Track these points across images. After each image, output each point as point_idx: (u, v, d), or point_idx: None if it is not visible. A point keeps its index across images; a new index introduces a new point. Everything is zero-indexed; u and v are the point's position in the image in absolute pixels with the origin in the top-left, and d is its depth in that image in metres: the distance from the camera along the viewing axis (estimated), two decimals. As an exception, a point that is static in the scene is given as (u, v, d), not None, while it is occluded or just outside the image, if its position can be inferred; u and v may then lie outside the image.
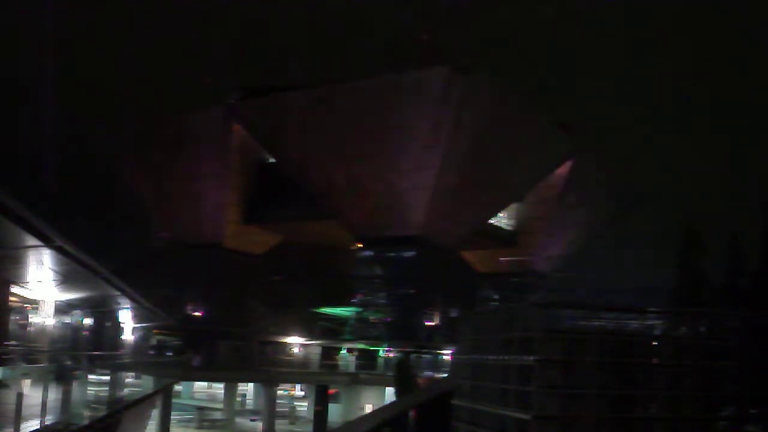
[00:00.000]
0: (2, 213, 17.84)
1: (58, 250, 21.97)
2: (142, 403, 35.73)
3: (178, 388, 59.92)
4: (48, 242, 20.95)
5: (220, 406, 62.55)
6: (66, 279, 27.30)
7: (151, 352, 65.36)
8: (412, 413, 38.54)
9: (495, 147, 59.40)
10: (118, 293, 34.96)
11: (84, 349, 37.75)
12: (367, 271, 67.33)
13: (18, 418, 17.55)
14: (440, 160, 58.21)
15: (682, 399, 29.40)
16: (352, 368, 63.82)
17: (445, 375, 53.94)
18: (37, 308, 31.06)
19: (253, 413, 62.30)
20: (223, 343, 68.52)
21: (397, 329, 64.88)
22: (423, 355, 64.99)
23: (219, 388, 69.26)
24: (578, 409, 28.21)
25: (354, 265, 69.09)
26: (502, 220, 75.33)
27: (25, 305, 32.55)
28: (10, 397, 19.05)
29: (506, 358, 30.41)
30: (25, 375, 24.06)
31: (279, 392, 60.32)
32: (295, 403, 67.03)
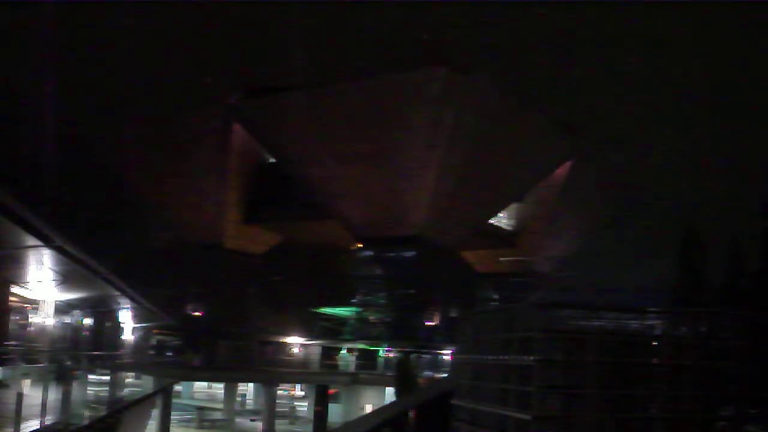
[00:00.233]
0: (2, 213, 17.87)
1: (58, 250, 22.01)
2: (142, 403, 35.79)
3: (178, 388, 59.96)
4: (48, 242, 20.99)
5: (220, 406, 62.56)
6: (66, 279, 27.32)
7: (151, 352, 65.47)
8: (412, 413, 38.51)
9: (495, 147, 59.41)
10: (118, 293, 35.01)
11: (84, 349, 37.79)
12: (367, 271, 67.35)
13: (18, 418, 17.57)
14: (440, 160, 58.24)
15: (682, 399, 29.37)
16: (352, 368, 63.82)
17: (445, 375, 53.96)
18: (37, 308, 31.09)
19: (253, 413, 62.31)
20: (223, 343, 68.55)
21: (397, 329, 64.91)
22: (423, 355, 65.01)
23: (219, 388, 69.29)
24: (578, 409, 28.19)
25: (354, 265, 69.12)
26: (502, 220, 75.35)
27: (25, 305, 32.57)
28: (10, 397, 19.06)
29: (506, 358, 30.40)
30: (25, 375, 24.11)
31: (279, 392, 60.33)
32: (295, 403, 67.06)
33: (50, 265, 24.51)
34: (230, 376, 60.25)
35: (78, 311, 39.02)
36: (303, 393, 72.28)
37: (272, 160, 70.10)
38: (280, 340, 72.00)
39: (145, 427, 40.72)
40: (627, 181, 73.57)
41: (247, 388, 70.74)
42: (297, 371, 66.47)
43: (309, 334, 71.95)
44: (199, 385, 74.47)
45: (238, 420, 60.05)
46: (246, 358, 67.26)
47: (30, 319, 32.92)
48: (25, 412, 18.07)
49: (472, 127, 57.22)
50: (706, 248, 46.47)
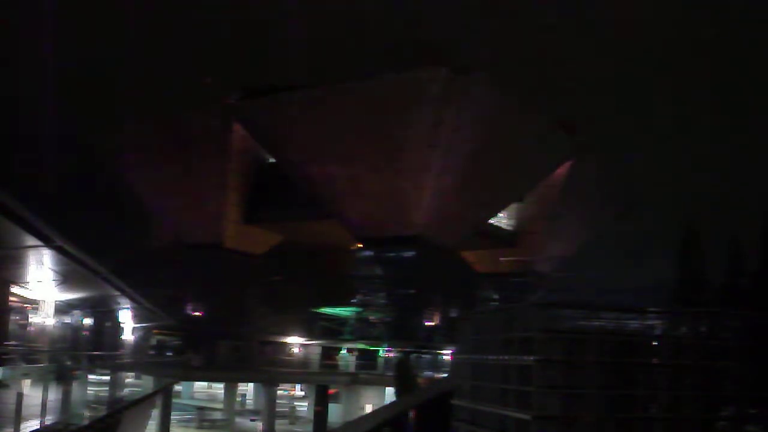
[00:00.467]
0: (2, 213, 17.86)
1: (58, 250, 22.00)
2: (142, 403, 35.76)
3: (178, 388, 59.93)
4: (48, 242, 20.98)
5: (220, 406, 62.57)
6: (66, 279, 27.32)
7: (151, 352, 65.41)
8: (412, 413, 38.50)
9: (495, 147, 59.39)
10: (118, 293, 35.01)
11: (84, 349, 37.76)
12: (367, 271, 67.35)
13: (18, 418, 17.57)
14: (440, 160, 58.22)
15: (682, 399, 29.37)
16: (352, 368, 63.83)
17: (445, 375, 53.95)
18: (37, 308, 31.07)
19: (253, 413, 62.31)
20: (223, 343, 68.54)
21: (397, 329, 64.89)
22: (423, 355, 65.01)
23: (219, 388, 69.29)
24: (578, 409, 28.18)
25: (354, 265, 69.12)
26: (502, 220, 75.36)
27: (25, 305, 32.56)
28: (10, 397, 19.06)
29: (506, 358, 30.39)
30: (25, 375, 24.08)
31: (279, 392, 60.33)
32: (295, 403, 67.07)
33: (50, 265, 24.52)
34: (230, 376, 60.26)
35: (78, 311, 39.03)
36: (303, 393, 72.28)
37: (272, 160, 70.10)
38: (280, 340, 72.00)
39: (145, 427, 40.70)
40: (627, 181, 73.64)
41: (247, 388, 70.73)
42: (297, 371, 66.49)
43: (309, 334, 71.94)
44: (199, 385, 74.45)
45: (238, 420, 60.05)
46: (246, 358, 67.28)
47: (30, 319, 32.93)
48: (25, 412, 18.05)
49: (472, 127, 57.20)
50: (706, 248, 46.52)
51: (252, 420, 60.24)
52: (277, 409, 57.60)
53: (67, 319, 38.06)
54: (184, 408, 59.74)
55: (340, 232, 67.29)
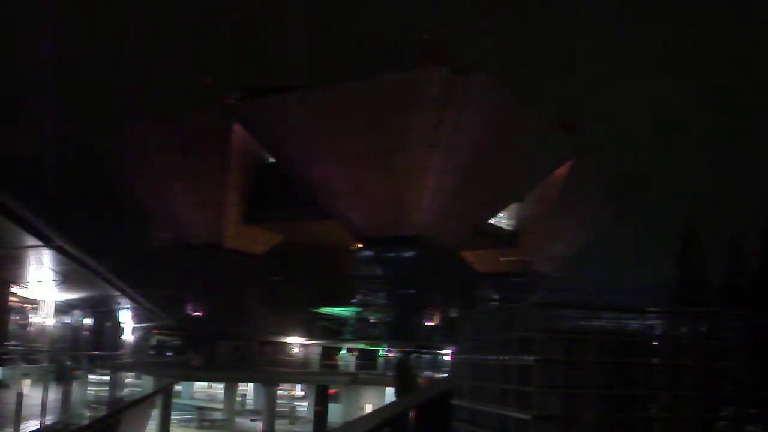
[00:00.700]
0: (2, 213, 17.87)
1: (58, 250, 22.01)
2: (142, 403, 35.78)
3: (178, 388, 59.94)
4: (48, 242, 20.99)
5: (220, 406, 62.54)
6: (66, 279, 27.33)
7: (151, 352, 65.45)
8: (412, 413, 38.50)
9: (495, 147, 59.38)
10: (118, 293, 35.03)
11: (84, 349, 37.79)
12: (367, 271, 67.33)
13: (18, 418, 17.57)
14: (440, 160, 58.22)
15: (682, 399, 29.37)
16: (352, 368, 63.81)
17: (445, 375, 53.94)
18: (37, 308, 31.08)
19: (253, 413, 62.29)
20: (223, 343, 68.55)
21: (397, 329, 64.88)
22: (423, 355, 65.00)
23: (219, 388, 69.26)
24: (578, 409, 28.18)
25: (354, 265, 69.10)
26: (502, 220, 75.36)
27: (25, 305, 32.57)
28: (10, 397, 19.07)
29: (506, 358, 30.39)
30: (25, 375, 24.09)
31: (279, 392, 60.31)
32: (295, 403, 67.03)
33: (50, 265, 24.52)
34: (230, 376, 60.23)
35: (78, 311, 39.04)
36: (303, 393, 72.25)
37: (272, 160, 70.10)
38: (280, 340, 71.99)
39: (145, 427, 40.71)
40: (627, 181, 73.64)
41: (247, 388, 70.71)
42: (297, 371, 66.47)
43: (309, 334, 71.95)
44: (199, 385, 74.43)
45: (238, 420, 60.03)
46: (246, 358, 67.28)
47: (30, 319, 32.93)
48: (25, 412, 18.05)
49: (472, 127, 57.20)
50: (706, 248, 46.51)
51: (252, 420, 60.21)
52: (277, 409, 57.58)
53: (67, 319, 38.07)
54: (184, 408, 59.73)
55: (340, 232, 67.29)
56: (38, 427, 18.93)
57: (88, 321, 42.79)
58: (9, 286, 27.29)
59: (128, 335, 48.75)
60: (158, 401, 44.84)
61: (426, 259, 63.69)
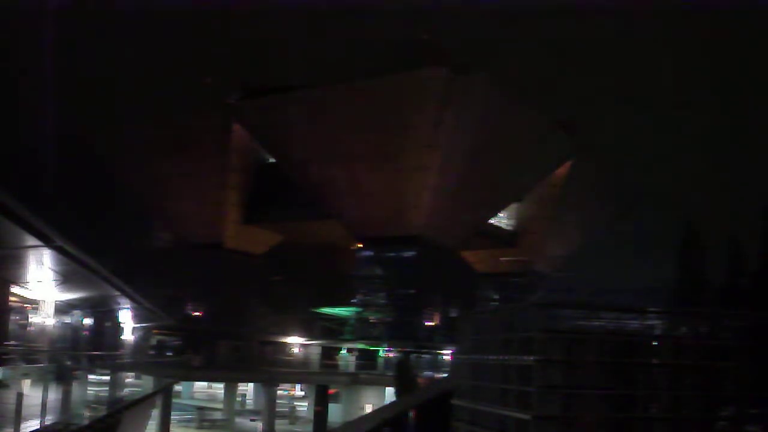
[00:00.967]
0: (2, 213, 17.85)
1: (58, 250, 21.98)
2: (142, 403, 35.77)
3: (178, 388, 59.92)
4: (48, 242, 20.96)
5: (220, 406, 62.54)
6: (66, 279, 27.29)
7: (151, 352, 65.39)
8: (412, 413, 38.53)
9: (495, 147, 59.40)
10: (118, 293, 34.98)
11: (84, 349, 37.76)
12: (367, 271, 67.36)
13: (18, 418, 17.56)
14: (440, 160, 58.24)
15: (682, 399, 29.41)
16: (352, 368, 63.82)
17: (445, 375, 53.95)
18: (37, 308, 31.04)
19: (253, 413, 62.28)
20: (223, 343, 68.57)
21: (397, 329, 64.90)
22: (423, 355, 65.02)
23: (219, 388, 69.25)
24: (578, 409, 28.20)
25: (354, 265, 69.12)
26: (502, 220, 75.38)
27: (25, 305, 32.53)
28: (10, 397, 19.06)
29: (506, 358, 30.41)
30: (25, 375, 24.07)
31: (279, 392, 60.31)
32: (295, 403, 67.02)
33: (50, 265, 24.50)
34: (230, 376, 60.22)
35: (78, 311, 39.02)
36: (303, 393, 72.24)
37: (272, 160, 70.11)
38: (280, 340, 72.00)
39: (145, 427, 40.70)
40: (627, 181, 73.63)
41: (247, 388, 70.70)
42: (297, 371, 66.48)
43: (309, 334, 71.96)
44: (199, 385, 74.42)
45: (238, 420, 60.03)
46: (246, 358, 67.26)
47: (30, 319, 32.90)
48: (25, 412, 18.04)
49: (472, 127, 57.20)
50: (706, 248, 46.54)
51: (252, 420, 60.21)
52: (277, 409, 57.57)
53: (67, 319, 38.02)
54: (184, 408, 59.72)
55: (340, 232, 67.30)
56: (38, 427, 18.91)
57: (88, 321, 42.75)
58: (9, 286, 27.27)
59: (128, 335, 48.69)
60: (158, 401, 44.82)
61: (426, 259, 63.71)
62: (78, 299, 35.13)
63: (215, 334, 67.76)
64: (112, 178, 75.11)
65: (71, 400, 24.11)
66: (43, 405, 19.59)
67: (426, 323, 68.00)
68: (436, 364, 63.32)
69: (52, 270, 25.55)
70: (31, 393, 20.60)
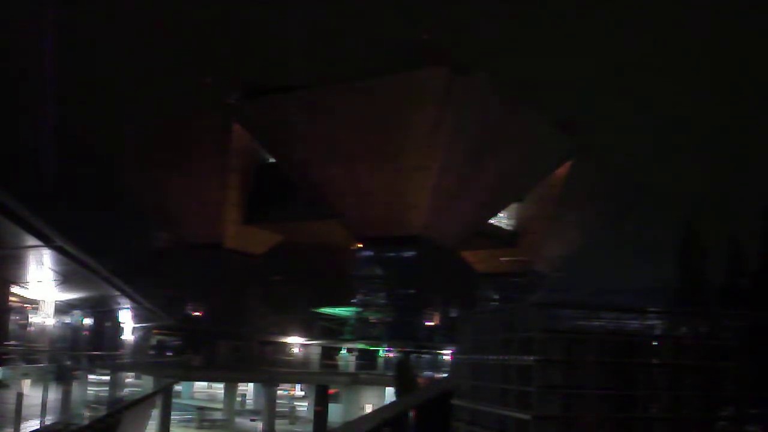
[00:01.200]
0: (2, 213, 17.84)
1: (58, 250, 21.97)
2: (142, 403, 35.74)
3: (178, 388, 59.90)
4: (48, 242, 20.94)
5: (220, 406, 62.53)
6: (66, 279, 27.28)
7: (151, 352, 65.35)
8: (412, 413, 38.51)
9: (495, 147, 59.40)
10: (118, 293, 34.96)
11: (84, 349, 37.73)
12: (367, 271, 67.38)
13: (18, 418, 17.55)
14: (440, 160, 58.23)
15: (682, 399, 29.40)
16: (352, 368, 63.80)
17: (445, 375, 53.94)
18: (37, 308, 31.03)
19: (253, 413, 62.29)
20: (223, 343, 68.54)
21: (397, 329, 64.91)
22: (423, 355, 65.02)
23: (219, 388, 69.25)
24: (578, 409, 28.20)
25: (354, 265, 69.12)
26: (502, 220, 75.37)
27: (25, 305, 32.51)
28: (10, 397, 19.05)
29: (506, 358, 30.40)
30: (25, 375, 24.05)
31: (279, 392, 60.30)
32: (295, 403, 67.02)
33: (50, 265, 24.48)
34: (230, 376, 60.22)
35: (78, 311, 38.99)
36: (303, 393, 72.25)
37: (272, 160, 70.10)
38: (280, 340, 72.00)
39: (145, 427, 40.68)
40: (627, 181, 73.65)
41: (247, 388, 70.71)
42: (297, 371, 66.47)
43: (309, 334, 71.95)
44: (199, 385, 74.41)
45: (238, 420, 60.03)
46: (246, 358, 67.23)
47: (30, 319, 32.88)
48: (25, 412, 18.02)
49: (472, 127, 57.20)
50: (706, 248, 46.54)
51: (252, 420, 60.21)
52: (277, 409, 57.57)
53: (67, 319, 38.00)
54: (184, 408, 59.69)
55: (340, 232, 67.29)
56: (38, 427, 18.90)
57: (88, 321, 42.72)
58: (9, 286, 27.25)
59: (128, 335, 48.66)
60: (158, 401, 44.81)
61: (426, 259, 63.71)
62: (78, 299, 35.12)
63: (215, 334, 67.73)
64: (112, 178, 75.13)
65: (71, 400, 24.09)
66: (43, 405, 19.58)
67: (426, 323, 68.02)
68: (436, 364, 63.30)
69: (52, 270, 25.53)
70: (31, 393, 20.60)
